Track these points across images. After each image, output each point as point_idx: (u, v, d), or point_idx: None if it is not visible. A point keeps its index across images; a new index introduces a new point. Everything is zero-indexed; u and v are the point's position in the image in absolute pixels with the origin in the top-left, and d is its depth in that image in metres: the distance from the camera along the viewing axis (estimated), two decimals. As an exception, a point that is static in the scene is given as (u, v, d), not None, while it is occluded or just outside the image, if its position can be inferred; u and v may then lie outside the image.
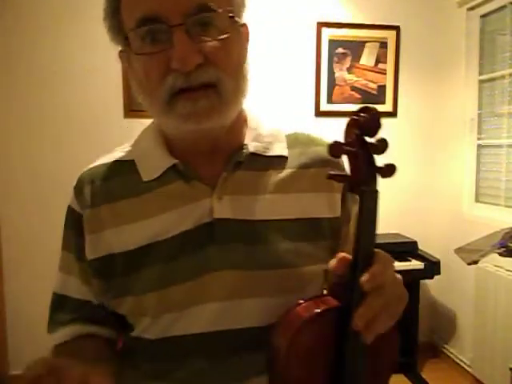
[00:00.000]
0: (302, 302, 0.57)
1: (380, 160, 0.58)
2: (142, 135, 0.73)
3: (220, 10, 0.57)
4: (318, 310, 0.54)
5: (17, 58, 2.61)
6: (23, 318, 2.71)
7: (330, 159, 0.64)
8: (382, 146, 0.54)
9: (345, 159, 0.59)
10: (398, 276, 0.59)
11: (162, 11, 0.55)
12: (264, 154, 0.68)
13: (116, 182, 0.67)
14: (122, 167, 0.68)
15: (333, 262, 0.57)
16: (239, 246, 0.62)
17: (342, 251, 0.57)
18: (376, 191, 0.56)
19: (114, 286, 0.64)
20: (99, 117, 2.70)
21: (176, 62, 0.55)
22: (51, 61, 2.64)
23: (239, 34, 0.63)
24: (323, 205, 0.69)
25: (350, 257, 0.56)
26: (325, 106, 2.91)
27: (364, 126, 0.54)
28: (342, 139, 0.55)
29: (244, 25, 0.65)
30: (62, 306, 0.70)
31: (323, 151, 0.68)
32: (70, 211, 0.70)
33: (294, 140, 0.72)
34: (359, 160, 0.54)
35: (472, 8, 2.73)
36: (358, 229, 0.55)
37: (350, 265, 0.54)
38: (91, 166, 0.72)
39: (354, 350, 0.54)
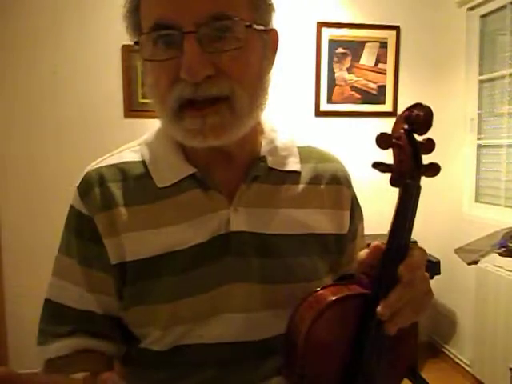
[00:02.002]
0: (328, 285, 0.57)
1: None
2: (153, 136, 0.69)
3: (236, 19, 0.54)
4: (344, 294, 0.53)
5: (18, 58, 2.61)
6: (23, 318, 2.71)
7: (341, 177, 0.72)
8: (430, 145, 0.55)
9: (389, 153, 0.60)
10: (426, 273, 0.59)
11: (176, 18, 0.53)
12: (281, 168, 0.67)
13: (129, 185, 0.63)
14: (134, 169, 0.64)
15: (364, 252, 0.58)
16: (254, 260, 0.62)
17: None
18: (419, 187, 0.56)
19: (126, 295, 0.61)
20: (100, 117, 2.70)
21: (184, 71, 0.53)
22: (52, 61, 2.63)
23: (261, 42, 0.59)
24: (332, 221, 0.70)
25: (383, 246, 0.57)
26: (325, 106, 2.91)
27: (415, 122, 0.54)
28: (389, 131, 0.55)
29: (271, 31, 0.61)
30: (58, 315, 0.64)
31: (335, 168, 0.72)
32: (75, 213, 0.63)
33: (307, 154, 0.71)
34: (406, 153, 0.55)
35: (472, 8, 2.73)
36: (396, 220, 0.57)
37: (383, 255, 0.55)
38: (97, 165, 0.66)
39: (374, 341, 0.53)
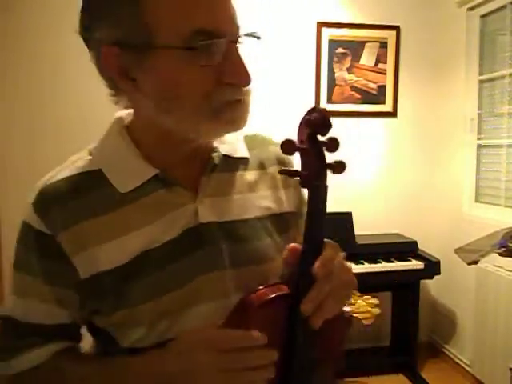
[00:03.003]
0: (258, 288, 0.60)
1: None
2: (104, 142, 0.68)
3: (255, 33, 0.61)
4: (270, 296, 0.56)
5: (18, 58, 2.61)
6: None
7: (285, 158, 0.74)
8: (333, 144, 0.57)
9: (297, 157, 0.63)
10: (348, 263, 0.64)
11: (222, 26, 0.56)
12: (233, 155, 0.71)
13: (89, 197, 0.62)
14: (90, 179, 0.63)
15: (284, 253, 0.62)
16: (224, 247, 0.65)
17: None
18: (326, 186, 0.59)
19: (106, 303, 0.61)
20: (100, 117, 2.70)
21: (241, 77, 0.58)
22: (52, 60, 2.64)
23: None
24: (287, 200, 0.74)
25: (300, 247, 0.60)
26: (325, 106, 2.91)
27: (314, 125, 0.57)
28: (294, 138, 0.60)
29: None
30: (25, 332, 0.63)
31: (277, 150, 0.71)
32: (34, 232, 0.62)
33: (251, 141, 0.75)
34: (310, 157, 0.58)
35: (472, 8, 2.73)
36: (308, 220, 0.59)
37: (301, 254, 0.58)
38: (51, 180, 0.64)
39: (304, 335, 0.56)
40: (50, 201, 0.62)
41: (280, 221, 0.72)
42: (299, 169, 0.60)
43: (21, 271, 0.64)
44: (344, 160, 0.57)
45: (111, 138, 0.68)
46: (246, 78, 0.58)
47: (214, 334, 0.56)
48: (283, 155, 0.68)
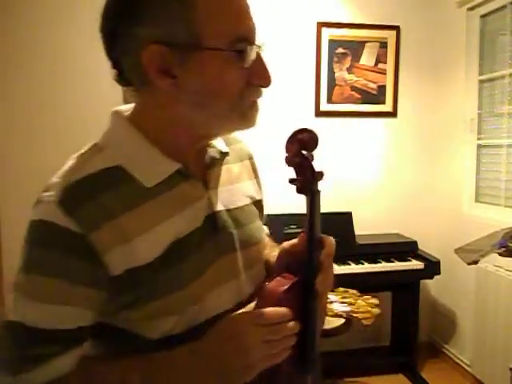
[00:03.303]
0: (274, 278, 0.71)
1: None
2: (116, 137, 0.70)
3: None
4: (290, 283, 0.69)
5: (18, 58, 2.61)
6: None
7: (250, 152, 0.88)
8: (313, 157, 0.71)
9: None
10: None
11: (253, 34, 0.66)
12: (222, 150, 0.78)
13: (118, 193, 0.63)
14: (113, 175, 0.64)
15: (288, 245, 0.74)
16: (233, 231, 0.73)
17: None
18: (319, 191, 0.71)
19: (140, 295, 0.62)
20: (100, 117, 2.70)
21: (267, 78, 0.67)
22: (52, 60, 2.64)
23: None
24: (256, 189, 0.86)
25: (301, 243, 0.72)
26: (325, 106, 2.91)
27: (308, 144, 0.70)
28: (286, 153, 0.71)
29: None
30: (44, 339, 0.60)
31: (245, 146, 0.87)
32: (58, 230, 0.58)
33: (225, 139, 0.81)
34: (306, 168, 0.70)
35: (472, 8, 2.73)
36: (310, 220, 0.70)
37: (307, 248, 0.70)
38: (74, 178, 0.63)
39: (315, 307, 0.70)
40: (80, 198, 0.60)
41: (258, 206, 0.84)
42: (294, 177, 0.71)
43: (36, 273, 0.60)
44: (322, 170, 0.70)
45: (127, 134, 0.69)
46: (269, 80, 0.67)
47: (255, 314, 0.64)
48: (249, 150, 0.87)
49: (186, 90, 0.63)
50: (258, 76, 0.66)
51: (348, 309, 2.27)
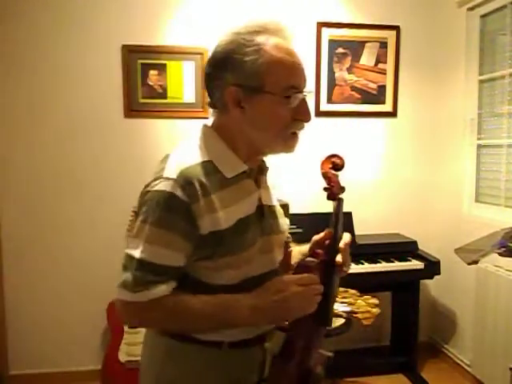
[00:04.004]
0: (306, 259, 1.01)
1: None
2: (208, 142, 0.97)
3: None
4: (319, 259, 0.97)
5: (20, 58, 2.61)
6: (23, 318, 2.71)
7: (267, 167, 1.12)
8: (338, 175, 1.02)
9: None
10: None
11: (302, 83, 0.94)
12: (267, 166, 1.09)
13: (211, 178, 0.91)
14: (209, 167, 0.92)
15: (317, 237, 1.04)
16: (271, 222, 1.03)
17: None
18: (343, 199, 0.99)
19: (216, 251, 0.89)
20: (100, 117, 2.71)
21: (307, 117, 0.95)
22: (53, 61, 2.64)
23: None
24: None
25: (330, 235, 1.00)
26: (325, 106, 2.91)
27: (337, 165, 1.01)
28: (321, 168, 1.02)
29: None
30: (155, 270, 0.87)
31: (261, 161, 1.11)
32: (176, 199, 0.86)
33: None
34: (336, 181, 0.99)
35: (472, 8, 2.73)
36: (336, 220, 0.98)
37: (333, 239, 0.98)
38: (185, 165, 0.89)
39: (337, 279, 0.98)
40: (191, 178, 0.88)
41: (284, 209, 1.14)
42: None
43: (156, 226, 0.86)
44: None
45: (214, 140, 0.97)
46: (309, 118, 0.95)
47: (295, 277, 0.91)
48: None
49: (249, 118, 0.92)
50: (301, 114, 0.93)
51: (348, 309, 2.27)
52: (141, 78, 2.70)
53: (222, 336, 0.95)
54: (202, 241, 0.89)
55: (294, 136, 0.96)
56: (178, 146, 0.99)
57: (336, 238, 0.97)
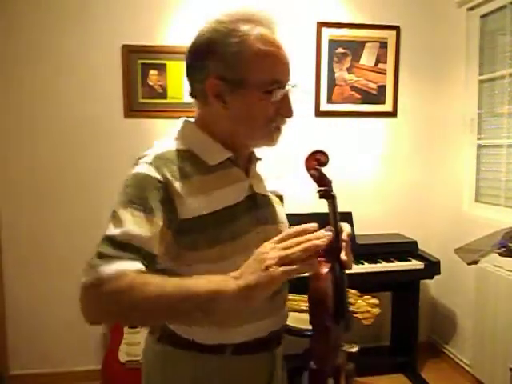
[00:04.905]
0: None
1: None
2: (186, 133, 0.94)
3: None
4: (328, 267, 0.92)
5: (22, 58, 2.61)
6: (23, 318, 2.71)
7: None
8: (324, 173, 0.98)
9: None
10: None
11: (286, 78, 0.90)
12: (258, 157, 1.05)
13: (190, 164, 0.88)
14: (187, 154, 0.90)
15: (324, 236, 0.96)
16: (266, 210, 0.99)
17: None
18: (335, 195, 0.97)
19: (199, 241, 0.84)
20: (100, 117, 2.71)
21: (290, 112, 0.92)
22: (53, 61, 2.64)
23: None
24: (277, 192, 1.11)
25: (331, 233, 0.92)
26: (325, 106, 2.91)
27: (325, 162, 0.97)
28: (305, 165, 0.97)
29: None
30: (126, 248, 0.75)
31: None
32: (150, 178, 0.82)
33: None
34: (326, 179, 0.97)
35: (472, 8, 2.73)
36: (335, 216, 0.95)
37: (334, 235, 0.92)
38: (158, 151, 0.87)
39: (343, 273, 0.97)
40: (163, 161, 0.85)
41: (279, 198, 1.09)
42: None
43: (130, 206, 0.79)
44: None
45: (189, 132, 0.95)
46: (291, 114, 0.92)
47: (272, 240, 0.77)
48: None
49: (231, 112, 0.89)
50: (284, 109, 0.91)
51: (348, 309, 2.27)
52: (141, 77, 2.71)
53: (225, 338, 0.88)
54: (183, 226, 0.82)
55: (277, 130, 0.93)
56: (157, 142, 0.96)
57: (338, 237, 0.95)
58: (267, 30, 0.90)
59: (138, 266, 0.73)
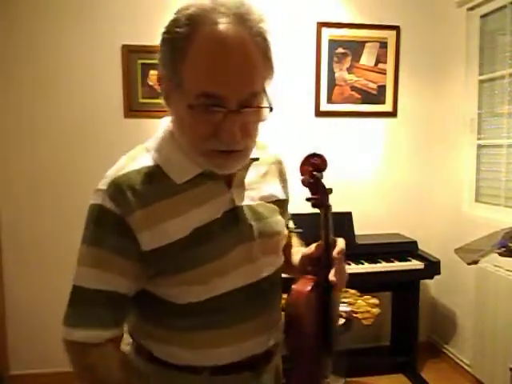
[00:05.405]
0: (298, 280, 0.88)
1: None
2: (159, 144, 0.84)
3: (260, 92, 0.76)
4: (311, 285, 0.86)
5: (22, 58, 2.61)
6: (23, 318, 2.71)
7: (280, 158, 1.01)
8: (323, 176, 0.86)
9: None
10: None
11: (225, 95, 0.70)
12: (251, 157, 0.87)
13: (153, 186, 0.78)
14: (153, 173, 0.79)
15: (310, 251, 0.91)
16: (253, 224, 0.86)
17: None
18: (331, 205, 0.88)
19: (169, 268, 0.77)
20: (100, 117, 2.71)
21: (226, 138, 0.72)
22: (53, 61, 2.64)
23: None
24: (282, 190, 0.98)
25: (322, 246, 0.89)
26: (325, 106, 2.91)
27: (321, 167, 0.85)
28: (301, 174, 0.87)
29: None
30: (93, 300, 0.76)
31: (274, 152, 1.00)
32: (105, 211, 0.76)
33: (257, 145, 0.90)
34: (320, 187, 0.86)
35: (472, 8, 2.73)
36: (326, 229, 0.86)
37: (324, 250, 0.87)
38: (121, 172, 0.79)
39: (331, 299, 0.87)
40: (122, 187, 0.76)
41: (280, 205, 0.95)
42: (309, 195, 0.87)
43: (92, 245, 0.76)
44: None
45: (167, 142, 0.84)
46: (231, 145, 0.74)
47: None
48: (279, 156, 1.01)
49: (174, 117, 0.80)
50: (221, 135, 0.72)
51: (348, 309, 2.27)
52: (141, 78, 2.71)
53: (200, 361, 0.81)
54: (149, 257, 0.76)
55: (217, 153, 0.75)
56: (135, 147, 0.88)
57: (329, 252, 0.86)
58: (231, 25, 0.70)
59: (101, 336, 0.77)
